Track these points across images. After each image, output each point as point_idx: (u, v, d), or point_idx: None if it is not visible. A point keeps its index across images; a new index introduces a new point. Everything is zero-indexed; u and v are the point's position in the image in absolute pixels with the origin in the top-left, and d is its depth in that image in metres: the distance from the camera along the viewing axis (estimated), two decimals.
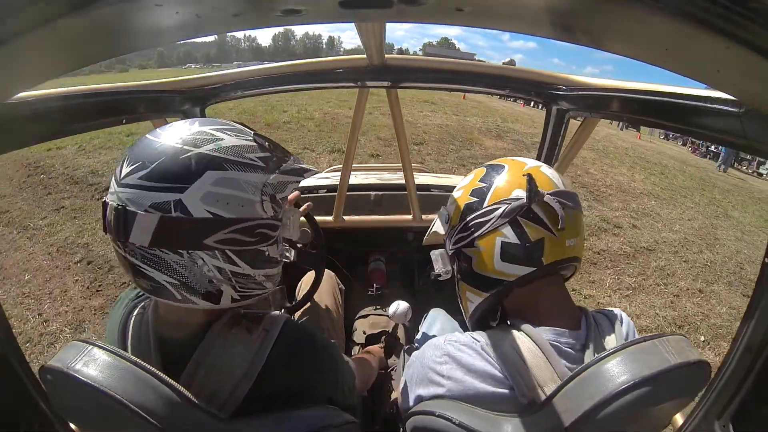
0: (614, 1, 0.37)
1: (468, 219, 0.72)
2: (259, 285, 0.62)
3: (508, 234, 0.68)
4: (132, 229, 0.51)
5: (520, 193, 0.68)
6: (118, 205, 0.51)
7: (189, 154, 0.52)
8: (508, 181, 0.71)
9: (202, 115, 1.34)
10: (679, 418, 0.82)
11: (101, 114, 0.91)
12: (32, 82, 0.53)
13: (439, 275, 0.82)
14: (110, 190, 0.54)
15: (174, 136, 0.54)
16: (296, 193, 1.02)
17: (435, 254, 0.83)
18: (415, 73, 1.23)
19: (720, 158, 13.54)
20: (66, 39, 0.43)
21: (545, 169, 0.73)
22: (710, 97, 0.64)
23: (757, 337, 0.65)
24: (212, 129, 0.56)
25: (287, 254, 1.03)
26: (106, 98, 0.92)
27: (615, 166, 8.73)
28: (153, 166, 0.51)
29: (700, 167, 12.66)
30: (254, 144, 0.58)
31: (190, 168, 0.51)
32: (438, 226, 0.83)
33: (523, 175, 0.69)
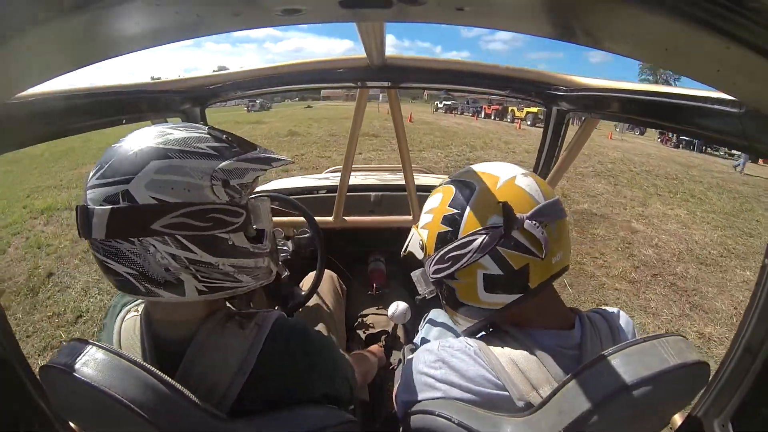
0: (614, 1, 0.37)
1: (443, 251, 0.67)
2: (228, 276, 0.60)
3: (489, 265, 0.64)
4: (92, 225, 0.53)
5: (497, 220, 0.62)
6: (82, 204, 0.55)
7: (136, 150, 0.55)
8: (482, 205, 0.65)
9: (203, 114, 1.34)
10: (678, 418, 0.82)
11: (101, 114, 0.91)
12: (32, 81, 0.53)
13: (424, 297, 0.78)
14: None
15: (129, 139, 0.58)
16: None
17: (416, 275, 0.77)
18: (416, 73, 1.23)
19: (741, 158, 12.30)
20: (66, 38, 0.43)
21: (521, 180, 0.67)
22: (710, 97, 0.64)
23: (757, 337, 0.65)
24: (167, 127, 0.60)
25: (283, 249, 1.04)
26: (106, 98, 0.92)
27: (642, 199, 6.76)
28: (107, 165, 0.55)
29: (709, 170, 11.33)
30: (207, 135, 0.60)
31: (136, 161, 0.54)
32: (414, 247, 0.75)
33: (498, 203, 0.63)
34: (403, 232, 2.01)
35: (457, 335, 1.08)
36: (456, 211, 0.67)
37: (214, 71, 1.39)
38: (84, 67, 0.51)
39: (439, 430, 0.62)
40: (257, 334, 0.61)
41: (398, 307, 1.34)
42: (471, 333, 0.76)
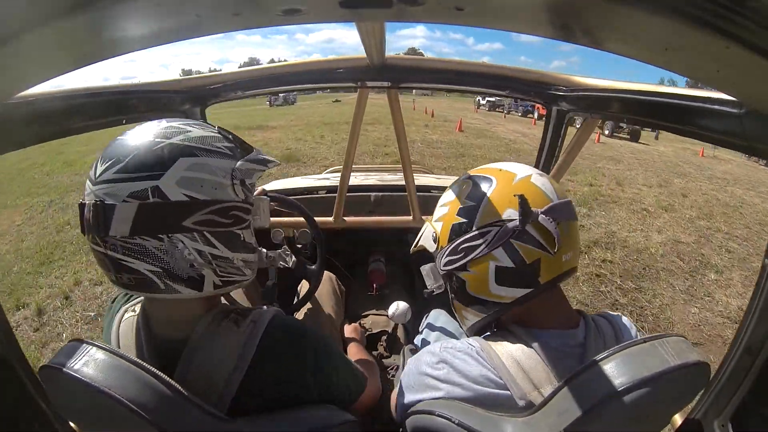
0: (614, 1, 0.37)
1: (457, 242, 0.68)
2: (238, 270, 0.63)
3: (501, 258, 0.64)
4: (112, 222, 0.52)
5: (512, 213, 0.64)
6: (96, 201, 0.53)
7: (161, 145, 0.55)
8: (498, 198, 0.66)
9: (203, 114, 1.34)
10: (678, 418, 0.82)
11: (101, 114, 0.91)
12: (32, 81, 0.53)
13: (432, 291, 0.79)
14: (86, 193, 0.55)
15: (144, 132, 0.57)
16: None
17: (425, 269, 0.79)
18: (416, 73, 1.23)
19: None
20: (66, 38, 0.43)
21: (536, 178, 0.68)
22: (710, 97, 0.64)
23: (757, 337, 0.65)
24: (179, 124, 0.60)
25: (287, 260, 1.04)
26: (106, 98, 0.92)
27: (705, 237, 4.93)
28: (128, 159, 0.54)
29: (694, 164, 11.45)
30: (219, 135, 0.62)
31: (164, 156, 0.54)
32: (426, 240, 0.76)
33: (515, 195, 0.64)
34: (403, 232, 2.01)
35: (456, 337, 1.08)
36: (472, 203, 0.68)
37: (212, 71, 1.39)
38: (84, 66, 0.51)
39: (438, 430, 0.62)
40: (253, 331, 0.61)
41: (398, 307, 1.34)
42: (476, 331, 0.76)
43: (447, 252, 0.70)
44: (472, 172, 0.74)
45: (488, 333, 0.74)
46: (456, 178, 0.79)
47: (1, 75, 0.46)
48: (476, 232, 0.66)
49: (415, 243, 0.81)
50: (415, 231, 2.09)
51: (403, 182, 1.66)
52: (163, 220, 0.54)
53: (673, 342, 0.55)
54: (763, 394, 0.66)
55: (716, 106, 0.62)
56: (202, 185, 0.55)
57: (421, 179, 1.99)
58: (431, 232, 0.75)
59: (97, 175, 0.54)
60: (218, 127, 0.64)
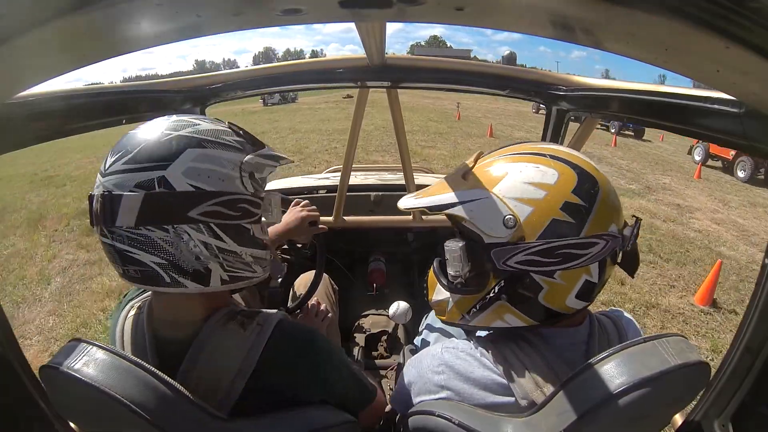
0: (614, 1, 0.37)
1: (556, 243, 0.57)
2: (247, 266, 0.62)
3: (594, 272, 0.59)
4: (118, 212, 0.53)
5: (614, 230, 0.59)
6: (104, 192, 0.54)
7: (170, 136, 0.56)
8: (606, 209, 0.59)
9: (203, 114, 1.34)
10: (678, 418, 0.82)
11: (101, 114, 0.91)
12: (32, 81, 0.53)
13: (458, 278, 0.64)
14: (96, 185, 0.56)
15: (154, 126, 0.58)
16: (317, 213, 1.08)
17: (455, 250, 0.63)
18: (416, 73, 1.23)
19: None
20: (66, 38, 0.43)
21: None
22: (710, 97, 0.64)
23: (757, 337, 0.65)
24: (189, 117, 0.61)
25: (281, 269, 1.04)
26: (106, 98, 0.92)
27: None
28: (136, 150, 0.54)
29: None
30: (229, 129, 0.62)
31: (172, 147, 0.55)
32: (487, 215, 0.59)
33: (632, 216, 0.63)
34: (403, 232, 2.00)
35: (456, 337, 1.08)
36: (583, 203, 0.58)
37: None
38: (84, 66, 0.51)
39: (439, 430, 0.62)
40: (259, 334, 0.61)
41: (399, 306, 1.34)
42: (483, 330, 0.74)
43: (534, 249, 0.57)
44: (575, 162, 0.61)
45: (492, 332, 0.73)
46: None
47: (1, 75, 0.46)
48: (584, 241, 0.57)
49: (461, 211, 0.61)
50: (416, 230, 2.09)
51: (403, 182, 1.66)
52: (168, 210, 0.54)
53: (673, 342, 0.55)
54: (763, 394, 0.66)
55: (716, 106, 0.62)
56: (209, 176, 0.55)
57: (421, 179, 1.99)
58: (503, 209, 0.59)
59: (106, 167, 0.55)
60: (229, 122, 0.65)
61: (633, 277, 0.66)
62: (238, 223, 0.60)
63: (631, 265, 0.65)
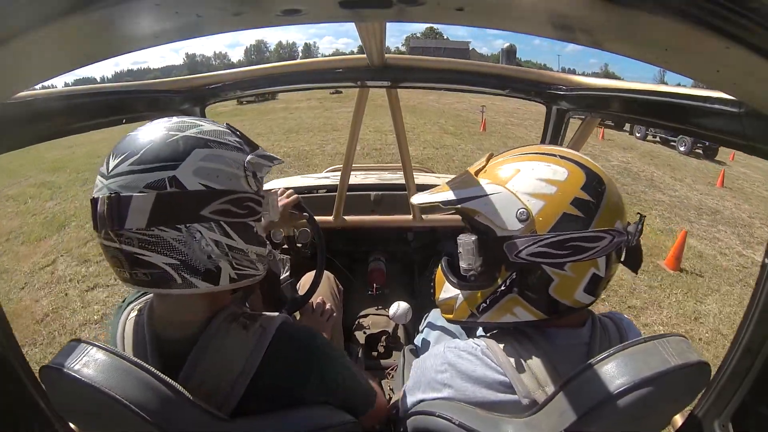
0: (614, 1, 0.37)
1: (566, 236, 0.59)
2: (252, 264, 0.63)
3: (601, 266, 0.62)
4: (128, 214, 0.52)
5: (620, 226, 0.62)
6: (111, 194, 0.53)
7: (176, 137, 0.56)
8: (612, 206, 0.62)
9: (202, 114, 1.34)
10: (678, 418, 0.82)
11: (101, 114, 0.91)
12: (32, 81, 0.53)
13: (471, 271, 0.66)
14: (98, 188, 0.55)
15: (156, 127, 0.58)
16: (295, 196, 1.05)
17: (467, 241, 0.65)
18: (416, 72, 1.23)
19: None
20: (66, 38, 0.43)
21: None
22: (710, 97, 0.64)
23: (757, 337, 0.65)
24: (191, 119, 0.61)
25: (281, 267, 1.04)
26: (106, 98, 0.92)
27: None
28: (143, 151, 0.54)
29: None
30: (228, 130, 0.64)
31: (179, 148, 0.55)
32: (502, 210, 0.62)
33: (637, 213, 0.65)
34: (403, 231, 2.00)
35: (456, 336, 1.08)
36: (591, 199, 0.61)
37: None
38: (84, 66, 0.51)
39: (439, 430, 0.62)
40: (261, 336, 0.61)
41: (399, 307, 1.34)
42: (486, 329, 0.75)
43: (546, 242, 0.59)
44: (581, 161, 0.65)
45: (495, 330, 0.73)
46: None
47: (1, 75, 0.46)
48: (592, 234, 0.60)
49: (473, 203, 0.64)
50: (416, 230, 2.08)
51: (403, 181, 1.66)
52: (181, 210, 0.54)
53: (673, 342, 0.55)
54: (763, 394, 0.66)
55: (716, 106, 0.62)
56: (218, 175, 0.56)
57: (421, 178, 1.99)
58: (515, 203, 0.61)
59: (110, 170, 0.54)
60: (226, 123, 0.66)
61: (636, 273, 0.67)
62: (245, 221, 0.61)
63: (634, 260, 0.66)
